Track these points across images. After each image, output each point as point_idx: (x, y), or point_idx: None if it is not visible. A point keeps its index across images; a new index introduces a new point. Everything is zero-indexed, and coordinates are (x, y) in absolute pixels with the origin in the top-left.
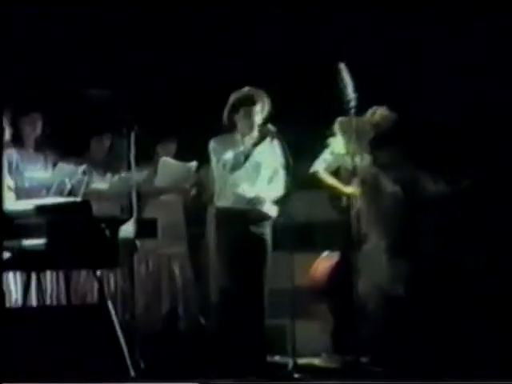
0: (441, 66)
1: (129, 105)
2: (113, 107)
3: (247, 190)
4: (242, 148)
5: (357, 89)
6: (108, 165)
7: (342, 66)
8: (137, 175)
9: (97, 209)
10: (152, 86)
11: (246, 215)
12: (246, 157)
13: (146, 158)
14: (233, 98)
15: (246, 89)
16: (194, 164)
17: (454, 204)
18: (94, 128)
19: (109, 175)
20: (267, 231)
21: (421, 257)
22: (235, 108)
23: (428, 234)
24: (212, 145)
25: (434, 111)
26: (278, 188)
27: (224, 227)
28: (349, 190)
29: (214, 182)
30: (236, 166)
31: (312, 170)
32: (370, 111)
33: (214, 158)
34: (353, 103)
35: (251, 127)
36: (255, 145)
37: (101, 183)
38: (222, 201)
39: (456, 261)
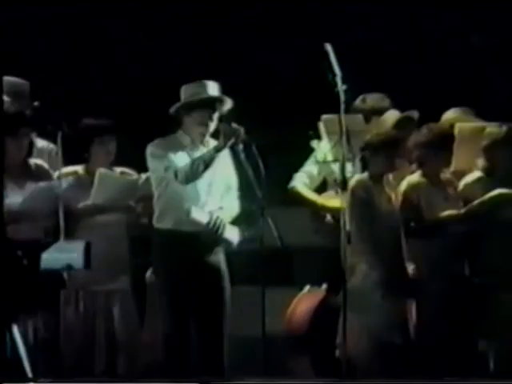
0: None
1: (54, 97)
2: (34, 99)
3: (198, 207)
4: (202, 152)
5: (347, 78)
6: (27, 173)
7: (329, 48)
8: (61, 186)
9: (12, 231)
10: (84, 75)
11: (196, 239)
12: (207, 164)
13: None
14: (183, 89)
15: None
16: (142, 176)
17: (468, 223)
18: (8, 126)
19: (28, 186)
20: (222, 258)
21: (423, 292)
22: (185, 105)
23: (435, 264)
24: (151, 150)
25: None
26: (231, 207)
27: (166, 256)
28: (336, 207)
29: (154, 197)
30: (192, 175)
31: (290, 185)
32: (358, 100)
33: (156, 166)
34: (342, 97)
35: (206, 122)
36: (219, 149)
37: (17, 197)
38: (165, 221)
39: (470, 300)
